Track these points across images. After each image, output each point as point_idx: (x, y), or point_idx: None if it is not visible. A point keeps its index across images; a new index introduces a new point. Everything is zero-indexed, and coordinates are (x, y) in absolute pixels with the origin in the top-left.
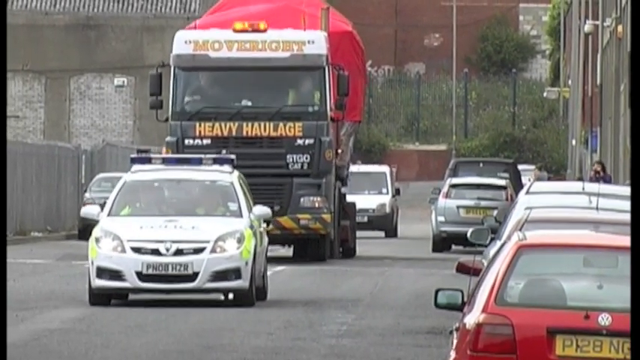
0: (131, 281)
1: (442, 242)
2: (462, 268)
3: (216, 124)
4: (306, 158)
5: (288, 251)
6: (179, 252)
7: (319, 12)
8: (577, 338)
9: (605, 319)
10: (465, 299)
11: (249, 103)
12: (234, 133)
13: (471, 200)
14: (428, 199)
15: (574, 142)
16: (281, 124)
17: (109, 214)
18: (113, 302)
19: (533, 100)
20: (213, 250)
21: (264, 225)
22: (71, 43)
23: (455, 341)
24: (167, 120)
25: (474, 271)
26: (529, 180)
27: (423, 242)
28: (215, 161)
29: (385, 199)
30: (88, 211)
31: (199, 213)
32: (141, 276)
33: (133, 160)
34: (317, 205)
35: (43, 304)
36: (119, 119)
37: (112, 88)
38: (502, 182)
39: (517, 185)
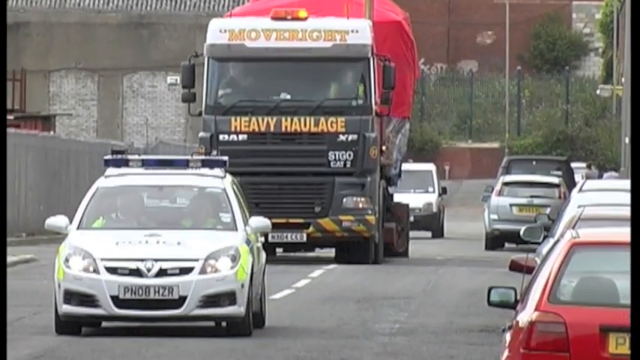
0: (106, 307)
1: (495, 240)
2: (515, 266)
3: (253, 119)
4: (349, 155)
5: (328, 252)
6: (162, 272)
7: (365, 1)
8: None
9: None
10: (518, 297)
11: (288, 97)
12: (272, 129)
13: (524, 198)
14: (481, 197)
15: (627, 140)
16: (322, 119)
17: (78, 227)
18: None
19: (586, 97)
20: (202, 271)
21: (262, 239)
22: (124, 42)
23: (508, 339)
24: (200, 114)
25: (527, 269)
26: (582, 178)
27: (472, 241)
28: (204, 163)
29: (432, 197)
30: (53, 222)
31: (186, 226)
32: (117, 301)
33: (107, 162)
34: (361, 205)
35: None
36: (172, 117)
37: (164, 86)
38: (555, 180)
39: (570, 183)
